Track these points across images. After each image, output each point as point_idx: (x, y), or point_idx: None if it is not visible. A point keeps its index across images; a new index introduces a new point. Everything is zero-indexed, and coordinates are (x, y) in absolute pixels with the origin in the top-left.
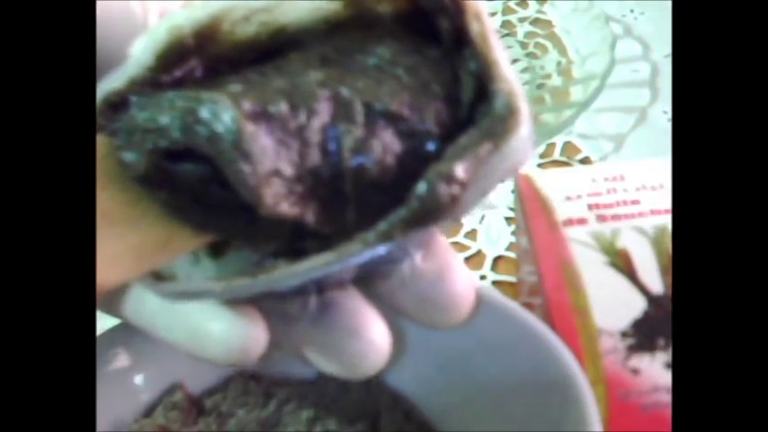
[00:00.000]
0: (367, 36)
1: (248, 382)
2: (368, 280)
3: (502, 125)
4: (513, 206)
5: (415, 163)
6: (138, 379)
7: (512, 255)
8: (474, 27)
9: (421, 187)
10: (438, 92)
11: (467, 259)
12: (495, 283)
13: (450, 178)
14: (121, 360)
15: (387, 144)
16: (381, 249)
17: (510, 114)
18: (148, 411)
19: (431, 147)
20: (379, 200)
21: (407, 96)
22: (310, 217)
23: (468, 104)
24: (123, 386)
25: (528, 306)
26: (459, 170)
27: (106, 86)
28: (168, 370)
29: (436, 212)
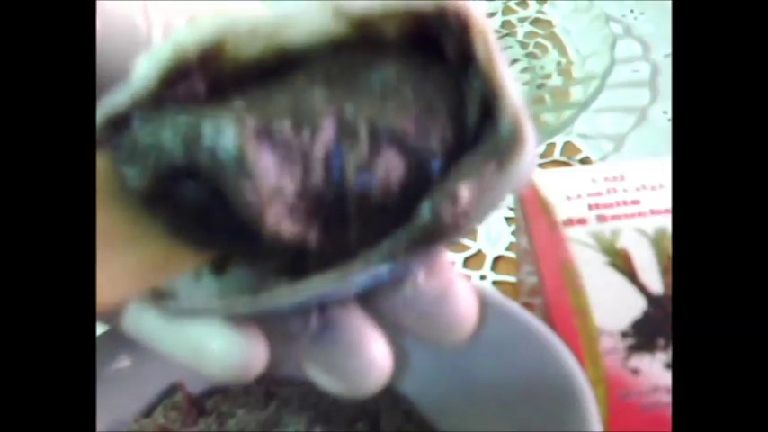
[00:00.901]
0: (372, 55)
1: (248, 382)
2: (370, 297)
3: (507, 146)
4: (513, 206)
5: (418, 183)
6: (138, 379)
7: (512, 255)
8: (479, 47)
9: (425, 207)
10: (443, 111)
11: (467, 259)
12: (495, 283)
13: (454, 199)
14: (121, 360)
15: (391, 163)
16: (384, 269)
17: (515, 135)
18: (148, 411)
19: (435, 166)
20: (383, 219)
21: (412, 116)
22: (313, 237)
23: (473, 124)
24: (123, 386)
25: (528, 306)
26: (464, 191)
27: (109, 103)
28: (168, 370)
29: (440, 233)
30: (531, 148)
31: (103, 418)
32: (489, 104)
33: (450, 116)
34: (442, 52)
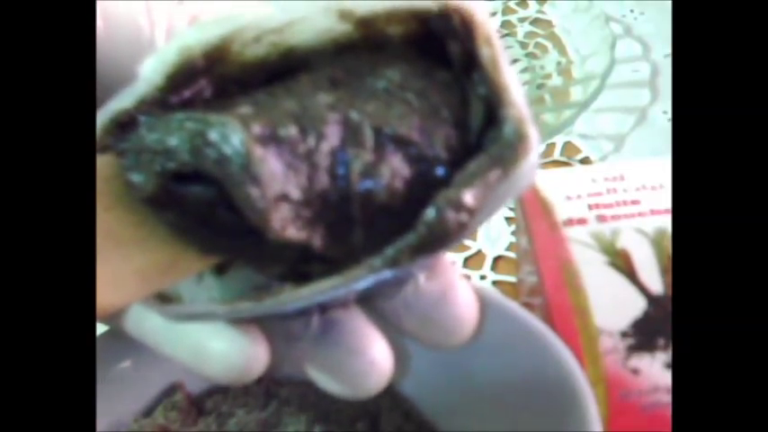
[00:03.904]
0: (377, 59)
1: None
2: (371, 299)
3: (511, 152)
4: (513, 206)
5: (423, 188)
6: (138, 379)
7: (512, 255)
8: (484, 51)
9: (429, 213)
10: (447, 116)
11: (467, 259)
12: (495, 283)
13: (458, 205)
14: (122, 361)
15: (395, 169)
16: (387, 274)
17: (519, 141)
18: (148, 411)
19: (439, 172)
20: (387, 225)
21: (417, 121)
22: (317, 241)
23: (477, 130)
24: (123, 386)
25: (528, 306)
26: (468, 197)
27: (115, 106)
28: (168, 370)
29: (444, 239)
30: (535, 152)
31: (103, 419)
32: (493, 109)
33: (455, 121)
34: (447, 56)
